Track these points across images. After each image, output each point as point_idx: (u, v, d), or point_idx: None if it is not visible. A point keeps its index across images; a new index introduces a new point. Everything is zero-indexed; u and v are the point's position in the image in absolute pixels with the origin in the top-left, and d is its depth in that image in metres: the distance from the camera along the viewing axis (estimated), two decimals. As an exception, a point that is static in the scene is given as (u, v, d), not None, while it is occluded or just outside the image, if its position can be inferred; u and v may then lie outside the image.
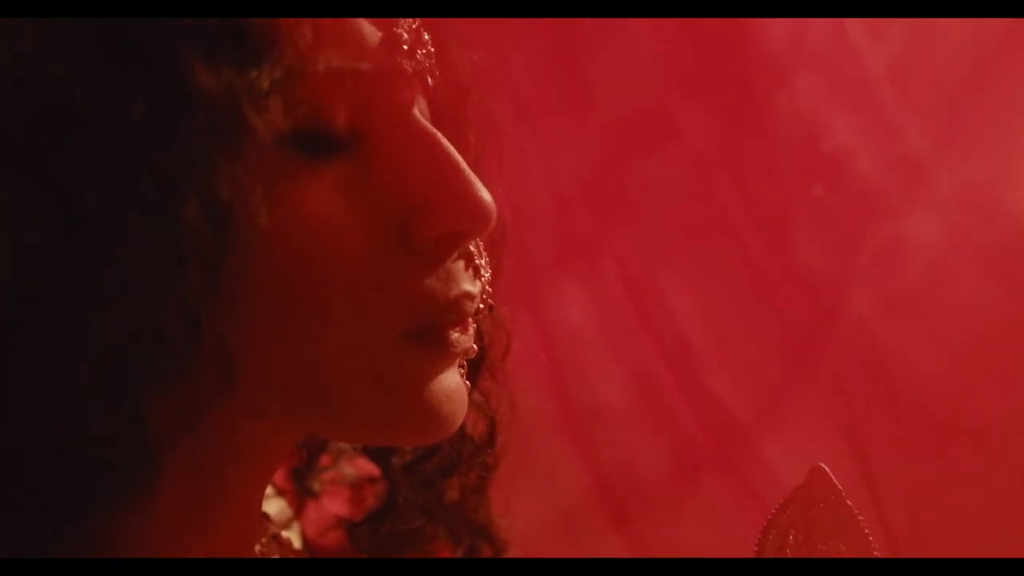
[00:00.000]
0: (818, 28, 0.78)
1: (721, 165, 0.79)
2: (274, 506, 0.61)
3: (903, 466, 0.74)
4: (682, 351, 0.80)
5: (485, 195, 0.45)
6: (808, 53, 0.79)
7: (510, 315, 0.57)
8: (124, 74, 0.38)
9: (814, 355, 0.80)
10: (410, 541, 0.61)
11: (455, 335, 0.45)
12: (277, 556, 0.55)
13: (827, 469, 0.45)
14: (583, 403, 0.80)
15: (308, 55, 0.41)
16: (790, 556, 0.45)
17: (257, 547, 0.54)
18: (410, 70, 0.45)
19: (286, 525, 0.62)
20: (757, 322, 0.81)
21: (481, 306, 0.47)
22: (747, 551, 0.48)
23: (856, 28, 0.78)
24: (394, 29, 0.45)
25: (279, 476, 0.62)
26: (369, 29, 0.44)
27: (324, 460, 0.64)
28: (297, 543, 0.61)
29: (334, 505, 0.64)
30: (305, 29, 0.41)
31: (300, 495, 0.64)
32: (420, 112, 0.46)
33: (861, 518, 0.44)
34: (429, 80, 0.47)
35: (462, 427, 0.50)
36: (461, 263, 0.46)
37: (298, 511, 0.63)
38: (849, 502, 0.44)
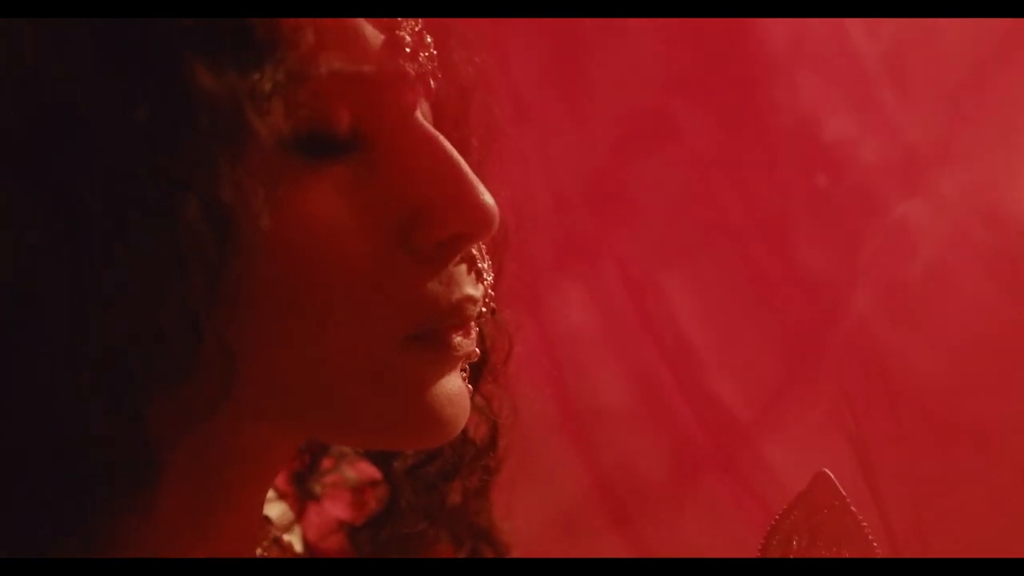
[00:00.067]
0: (818, 28, 0.78)
1: (721, 165, 0.79)
2: (276, 509, 0.61)
3: (903, 466, 0.74)
4: (682, 351, 0.80)
5: (487, 198, 0.45)
6: (808, 53, 0.79)
7: (512, 318, 0.57)
8: (125, 75, 0.38)
9: (814, 355, 0.80)
10: (412, 545, 0.61)
11: (457, 339, 0.45)
12: (278, 559, 0.55)
13: (831, 475, 0.45)
14: (583, 403, 0.80)
15: (310, 58, 0.41)
16: None
17: (258, 550, 0.54)
18: (413, 73, 0.45)
19: (287, 528, 0.61)
20: (757, 322, 0.81)
21: (483, 310, 0.47)
22: (747, 551, 0.47)
23: (856, 28, 0.77)
24: (397, 32, 0.45)
25: (281, 479, 0.62)
26: (371, 32, 0.44)
27: (326, 463, 0.64)
28: (298, 546, 0.61)
29: (336, 509, 0.64)
30: (307, 31, 0.41)
31: (302, 498, 0.64)
32: (422, 115, 0.46)
33: (865, 524, 0.44)
34: (432, 83, 0.47)
35: (464, 431, 0.50)
36: (464, 266, 0.46)
37: (299, 514, 0.63)
38: (853, 508, 0.44)
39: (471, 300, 0.46)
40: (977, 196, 0.77)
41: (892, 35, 0.78)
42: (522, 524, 0.65)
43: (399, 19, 0.45)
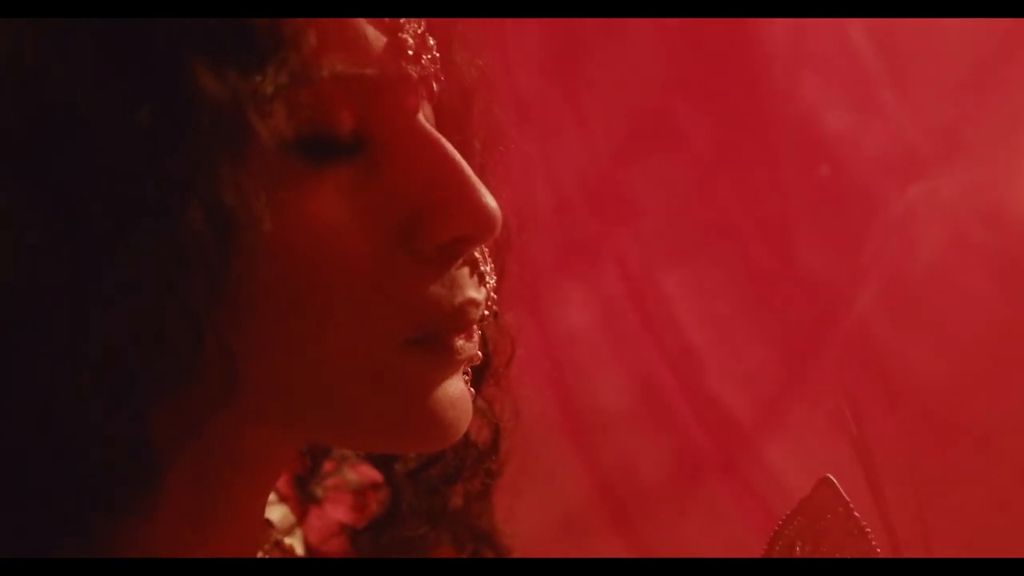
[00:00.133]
0: (818, 28, 0.78)
1: (721, 165, 0.79)
2: (277, 512, 0.60)
3: (904, 466, 0.74)
4: (682, 352, 0.80)
5: (490, 201, 0.44)
6: (808, 53, 0.79)
7: (514, 321, 0.57)
8: (126, 76, 0.38)
9: (814, 355, 0.80)
10: (413, 548, 0.61)
11: (460, 342, 0.45)
12: (280, 563, 0.55)
13: (834, 480, 0.45)
14: (584, 405, 0.80)
15: (313, 60, 0.41)
16: None
17: (260, 553, 0.54)
18: (415, 75, 0.45)
19: (289, 531, 0.61)
20: (757, 322, 0.81)
21: (486, 313, 0.47)
22: (748, 552, 0.47)
23: (856, 28, 0.78)
24: (399, 34, 0.45)
25: (282, 482, 0.62)
26: (374, 34, 0.44)
27: (327, 466, 0.64)
28: (300, 549, 0.61)
29: (337, 512, 0.63)
30: (310, 33, 0.41)
31: (303, 501, 0.63)
32: (425, 117, 0.46)
33: (869, 530, 0.44)
34: (434, 85, 0.46)
35: (466, 434, 0.50)
36: (466, 269, 0.45)
37: (301, 517, 0.63)
38: (856, 514, 0.44)
39: (473, 303, 0.45)
40: (977, 196, 0.77)
41: (892, 35, 0.78)
42: (523, 525, 0.65)
43: (402, 21, 0.45)
